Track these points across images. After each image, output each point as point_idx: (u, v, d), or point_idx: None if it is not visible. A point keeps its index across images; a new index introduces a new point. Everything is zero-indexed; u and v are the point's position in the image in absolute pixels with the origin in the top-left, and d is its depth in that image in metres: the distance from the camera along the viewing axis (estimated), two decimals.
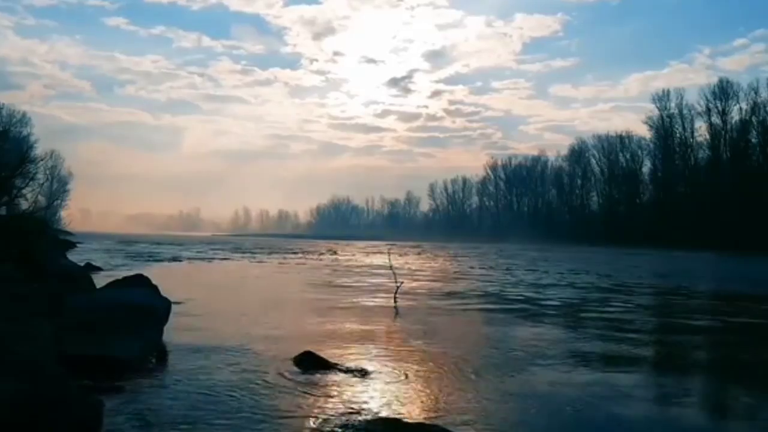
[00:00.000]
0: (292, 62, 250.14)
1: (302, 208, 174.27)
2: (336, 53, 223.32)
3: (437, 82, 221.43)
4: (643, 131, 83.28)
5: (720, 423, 4.63)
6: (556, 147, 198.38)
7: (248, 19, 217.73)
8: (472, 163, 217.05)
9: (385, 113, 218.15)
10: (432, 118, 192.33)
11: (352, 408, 4.27)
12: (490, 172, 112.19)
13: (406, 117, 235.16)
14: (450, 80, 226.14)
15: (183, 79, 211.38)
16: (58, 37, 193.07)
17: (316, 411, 4.19)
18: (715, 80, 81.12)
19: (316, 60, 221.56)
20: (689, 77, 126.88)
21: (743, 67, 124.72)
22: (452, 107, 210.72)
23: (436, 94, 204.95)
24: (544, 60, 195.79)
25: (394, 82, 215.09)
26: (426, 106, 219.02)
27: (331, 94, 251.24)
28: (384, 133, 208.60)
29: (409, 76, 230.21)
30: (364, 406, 4.36)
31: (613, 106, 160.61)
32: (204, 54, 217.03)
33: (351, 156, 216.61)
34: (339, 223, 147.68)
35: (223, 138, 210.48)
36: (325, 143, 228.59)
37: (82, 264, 15.84)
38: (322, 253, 37.49)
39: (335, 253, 39.30)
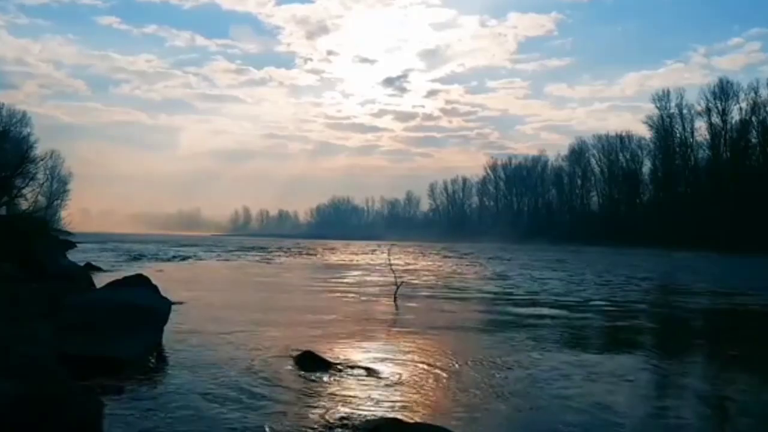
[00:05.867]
0: (287, 61, 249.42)
1: (302, 207, 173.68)
2: (330, 52, 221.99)
3: (433, 81, 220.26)
4: (641, 130, 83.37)
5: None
6: (553, 147, 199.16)
7: (241, 18, 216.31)
8: (469, 163, 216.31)
9: (381, 113, 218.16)
10: (428, 117, 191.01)
11: (353, 408, 4.27)
12: (489, 172, 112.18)
13: (403, 116, 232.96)
14: (445, 80, 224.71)
15: (178, 79, 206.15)
16: (52, 36, 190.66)
17: (316, 411, 4.19)
18: (711, 79, 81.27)
19: (311, 59, 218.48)
20: (685, 76, 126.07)
21: (739, 66, 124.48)
22: (448, 107, 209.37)
23: (431, 93, 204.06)
24: (539, 59, 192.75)
25: (389, 81, 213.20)
26: (422, 106, 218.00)
27: (327, 94, 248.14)
28: (381, 132, 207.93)
29: (404, 76, 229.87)
30: (365, 406, 4.36)
31: (609, 105, 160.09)
32: (198, 53, 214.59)
33: (348, 156, 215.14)
34: (339, 223, 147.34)
35: (220, 137, 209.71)
36: (323, 143, 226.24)
37: (82, 264, 15.86)
38: (321, 253, 37.48)
39: (335, 252, 39.27)
